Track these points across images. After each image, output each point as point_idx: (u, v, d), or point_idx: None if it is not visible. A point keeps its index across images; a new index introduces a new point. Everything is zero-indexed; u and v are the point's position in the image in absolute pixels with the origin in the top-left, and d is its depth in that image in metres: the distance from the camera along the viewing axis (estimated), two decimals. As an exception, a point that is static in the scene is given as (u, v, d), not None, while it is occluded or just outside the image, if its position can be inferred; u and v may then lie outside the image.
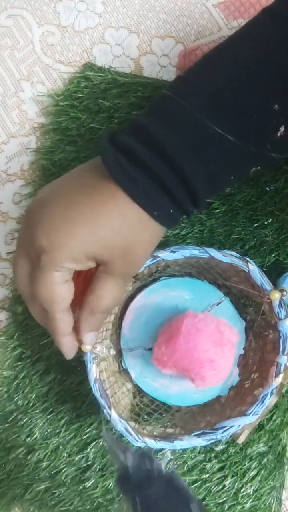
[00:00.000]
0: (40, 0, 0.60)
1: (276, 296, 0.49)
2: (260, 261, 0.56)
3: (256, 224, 0.55)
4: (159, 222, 0.43)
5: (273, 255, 0.56)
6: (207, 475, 0.57)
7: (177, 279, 0.54)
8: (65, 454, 0.59)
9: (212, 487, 0.57)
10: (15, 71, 0.60)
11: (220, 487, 0.57)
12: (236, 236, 0.56)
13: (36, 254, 0.41)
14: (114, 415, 0.49)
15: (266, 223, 0.55)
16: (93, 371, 0.49)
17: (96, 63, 0.59)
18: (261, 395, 0.49)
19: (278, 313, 0.50)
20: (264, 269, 0.55)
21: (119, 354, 0.55)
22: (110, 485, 0.58)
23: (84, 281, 0.46)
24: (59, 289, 0.42)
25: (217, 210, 0.56)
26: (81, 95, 0.58)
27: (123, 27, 0.60)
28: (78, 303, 0.45)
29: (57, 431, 0.59)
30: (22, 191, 0.60)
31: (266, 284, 0.49)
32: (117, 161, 0.41)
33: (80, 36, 0.60)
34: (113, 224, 0.41)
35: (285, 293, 0.49)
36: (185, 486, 0.38)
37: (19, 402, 0.59)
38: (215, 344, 0.48)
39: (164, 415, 0.54)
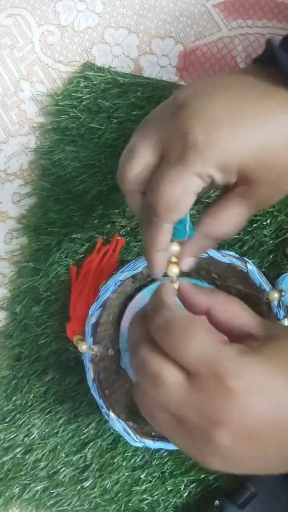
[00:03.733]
0: (40, 0, 0.60)
1: (275, 296, 0.49)
2: (259, 262, 0.56)
3: (255, 225, 0.55)
4: None
5: (271, 256, 0.56)
6: (205, 475, 0.57)
7: (176, 279, 0.54)
8: (63, 454, 0.59)
9: (210, 487, 0.57)
10: (15, 70, 0.60)
11: (218, 487, 0.57)
12: (235, 236, 0.56)
13: (181, 148, 0.33)
14: (112, 415, 0.49)
15: (265, 223, 0.55)
16: (91, 371, 0.49)
17: (95, 63, 0.59)
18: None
19: (276, 314, 0.50)
20: (262, 269, 0.55)
21: (118, 354, 0.55)
22: (108, 485, 0.58)
23: (84, 280, 0.46)
24: (188, 198, 0.35)
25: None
26: (80, 95, 0.58)
27: (123, 27, 0.60)
28: (78, 303, 0.44)
29: (55, 431, 0.59)
30: (21, 190, 0.60)
31: (265, 285, 0.49)
32: None
33: (79, 35, 0.60)
34: (284, 137, 0.34)
35: (283, 293, 0.49)
36: None
37: (17, 401, 0.59)
38: None
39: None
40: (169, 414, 0.31)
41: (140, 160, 0.35)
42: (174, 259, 0.39)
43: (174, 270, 0.38)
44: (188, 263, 0.39)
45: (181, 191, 0.34)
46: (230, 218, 0.37)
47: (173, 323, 0.32)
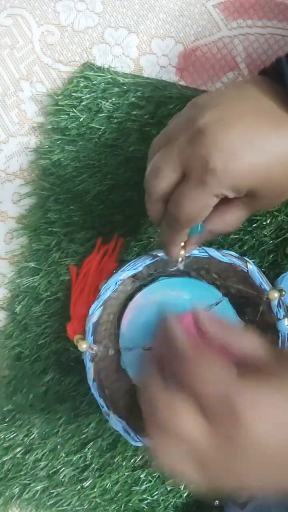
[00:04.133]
0: (40, 0, 0.60)
1: (275, 296, 0.49)
2: (259, 261, 0.56)
3: (255, 225, 0.55)
4: None
5: (271, 256, 0.56)
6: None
7: (176, 279, 0.54)
8: (63, 454, 0.59)
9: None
10: (15, 70, 0.60)
11: (218, 487, 0.57)
12: (235, 236, 0.56)
13: (201, 173, 0.39)
14: (112, 414, 0.49)
15: (264, 223, 0.55)
16: (92, 370, 0.49)
17: (95, 62, 0.59)
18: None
19: (276, 313, 0.50)
20: (262, 269, 0.55)
21: (118, 354, 0.55)
22: (108, 485, 0.58)
23: (84, 280, 0.46)
24: (205, 212, 0.42)
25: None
26: (80, 94, 0.58)
27: (123, 27, 0.60)
28: (78, 303, 0.44)
29: (55, 430, 0.59)
30: (21, 190, 0.60)
31: (265, 284, 0.49)
32: None
33: (79, 35, 0.60)
34: (285, 165, 0.40)
35: (283, 293, 0.49)
36: None
37: (17, 401, 0.59)
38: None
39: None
40: (193, 464, 0.33)
41: (165, 179, 0.42)
42: (182, 244, 0.47)
43: (181, 253, 0.47)
44: (193, 249, 0.48)
45: (200, 208, 0.41)
46: (232, 219, 0.45)
47: (188, 352, 0.36)
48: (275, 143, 0.39)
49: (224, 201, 0.42)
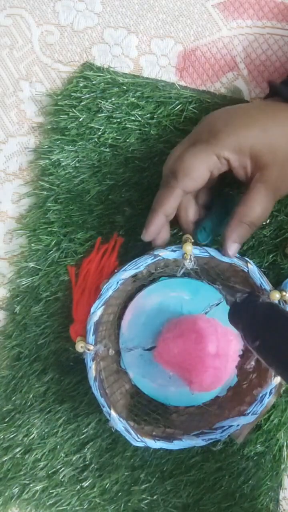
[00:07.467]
0: (39, 0, 0.60)
1: (276, 296, 0.49)
2: (258, 261, 0.56)
3: (255, 225, 0.55)
4: None
5: (271, 256, 0.56)
6: (205, 475, 0.57)
7: (176, 280, 0.54)
8: (62, 454, 0.59)
9: (209, 487, 0.57)
10: (14, 70, 0.60)
11: (217, 486, 0.57)
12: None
13: (207, 136, 0.46)
14: (113, 414, 0.49)
15: (264, 223, 0.56)
16: (93, 370, 0.49)
17: (95, 62, 0.59)
18: (260, 395, 0.50)
19: (276, 313, 0.50)
20: (262, 269, 0.55)
21: (118, 354, 0.55)
22: (107, 485, 0.58)
23: (84, 281, 0.46)
24: (204, 169, 0.46)
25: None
26: (80, 94, 0.58)
27: (122, 27, 0.59)
28: (80, 305, 0.44)
29: (55, 430, 0.59)
30: (20, 190, 0.60)
31: (265, 284, 0.49)
32: None
33: (79, 35, 0.60)
34: (285, 129, 0.46)
35: (284, 293, 0.49)
36: None
37: (16, 401, 0.59)
38: (223, 351, 0.48)
39: (162, 415, 0.54)
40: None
41: (175, 151, 0.49)
42: (190, 240, 0.49)
43: (188, 248, 0.49)
44: (233, 248, 0.49)
45: (199, 163, 0.46)
46: (255, 202, 0.47)
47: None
48: (273, 116, 0.47)
49: (244, 193, 0.47)
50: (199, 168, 0.46)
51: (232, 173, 0.48)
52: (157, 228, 0.49)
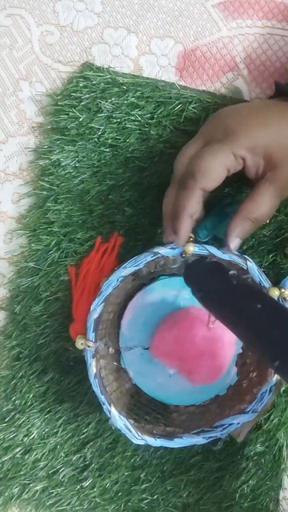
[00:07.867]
0: (39, 0, 0.60)
1: (275, 293, 0.49)
2: (258, 261, 0.56)
3: (255, 224, 0.55)
4: None
5: (271, 255, 0.56)
6: (205, 474, 0.57)
7: (176, 278, 0.54)
8: (62, 454, 0.59)
9: (210, 487, 0.57)
10: (14, 70, 0.60)
11: (217, 486, 0.57)
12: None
13: (223, 135, 0.46)
14: (114, 411, 0.49)
15: (264, 223, 0.56)
16: (93, 367, 0.49)
17: (95, 62, 0.59)
18: (260, 392, 0.50)
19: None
20: (262, 269, 0.55)
21: (118, 353, 0.55)
22: (108, 485, 0.58)
23: (84, 281, 0.46)
24: (221, 169, 0.46)
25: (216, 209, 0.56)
26: (80, 94, 0.58)
27: (122, 27, 0.60)
28: (80, 304, 0.44)
29: (55, 430, 0.59)
30: (20, 190, 0.60)
31: (265, 282, 0.49)
32: None
33: (79, 35, 0.60)
34: None
35: (283, 290, 0.49)
36: (254, 284, 0.47)
37: (16, 401, 0.59)
38: (217, 338, 0.49)
39: (163, 414, 0.54)
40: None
41: (188, 150, 0.49)
42: (192, 239, 0.49)
43: (190, 248, 0.48)
44: (235, 242, 0.48)
45: (218, 162, 0.46)
46: (263, 199, 0.47)
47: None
48: (280, 117, 0.48)
49: (252, 189, 0.48)
50: (218, 167, 0.46)
51: (240, 172, 0.49)
52: (187, 231, 0.49)
